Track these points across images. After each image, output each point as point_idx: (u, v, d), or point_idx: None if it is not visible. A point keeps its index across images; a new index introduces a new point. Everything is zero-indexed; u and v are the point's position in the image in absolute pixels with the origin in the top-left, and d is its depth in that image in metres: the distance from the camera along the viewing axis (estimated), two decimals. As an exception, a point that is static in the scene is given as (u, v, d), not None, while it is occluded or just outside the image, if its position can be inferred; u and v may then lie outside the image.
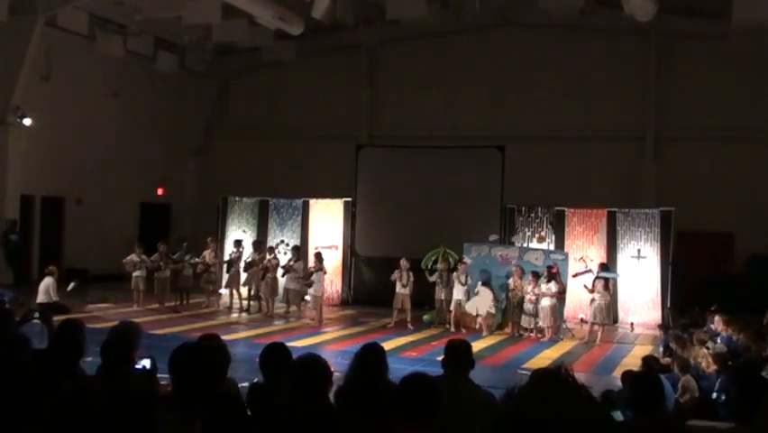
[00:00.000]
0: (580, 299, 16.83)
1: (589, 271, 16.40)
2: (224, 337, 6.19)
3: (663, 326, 14.04)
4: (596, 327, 15.48)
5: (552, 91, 23.01)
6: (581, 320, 16.65)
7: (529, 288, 15.84)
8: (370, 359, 4.81)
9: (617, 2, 18.56)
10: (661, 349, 12.24)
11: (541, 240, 18.57)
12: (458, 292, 16.37)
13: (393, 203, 20.01)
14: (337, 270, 19.83)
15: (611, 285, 16.07)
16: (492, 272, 16.77)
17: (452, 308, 16.45)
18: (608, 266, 16.69)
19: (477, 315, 16.22)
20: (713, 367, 9.46)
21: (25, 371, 4.02)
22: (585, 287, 16.06)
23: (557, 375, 1.62)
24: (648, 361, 9.41)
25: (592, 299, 15.61)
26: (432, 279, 16.92)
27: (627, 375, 8.41)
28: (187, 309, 17.62)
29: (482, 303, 16.13)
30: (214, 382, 3.56)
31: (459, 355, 5.14)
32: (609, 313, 15.81)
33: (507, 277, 16.56)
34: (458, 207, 19.13)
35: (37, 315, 7.09)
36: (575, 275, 16.86)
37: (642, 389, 4.76)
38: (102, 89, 22.94)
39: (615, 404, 7.21)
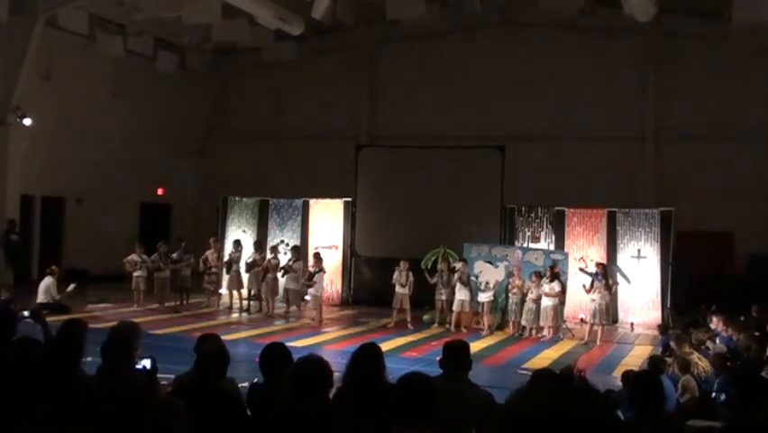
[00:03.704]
0: (579, 299, 16.83)
1: (593, 274, 16.27)
2: (224, 337, 6.20)
3: (662, 326, 14.02)
4: (595, 327, 15.46)
5: (552, 91, 23.02)
6: (581, 320, 16.63)
7: (532, 287, 15.84)
8: (367, 359, 4.81)
9: (617, 2, 18.55)
10: (660, 350, 12.23)
11: (536, 240, 18.57)
12: (460, 293, 16.36)
13: (393, 203, 20.01)
14: (337, 270, 19.82)
15: (613, 285, 16.04)
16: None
17: (455, 308, 16.44)
18: (606, 267, 16.57)
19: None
20: (702, 366, 9.47)
21: (29, 371, 4.03)
22: (583, 287, 16.04)
23: (567, 376, 1.63)
24: (655, 361, 9.40)
25: (592, 300, 15.59)
26: (432, 281, 16.88)
27: (628, 375, 8.40)
28: (187, 309, 17.63)
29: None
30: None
31: (457, 355, 5.15)
32: (609, 313, 15.79)
33: (508, 276, 16.58)
34: (458, 207, 19.12)
35: (27, 314, 7.05)
36: (581, 270, 16.71)
37: (642, 389, 4.77)
38: (102, 89, 22.94)
39: (615, 404, 7.21)
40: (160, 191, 25.69)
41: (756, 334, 11.82)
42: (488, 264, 16.81)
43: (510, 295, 16.28)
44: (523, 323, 16.07)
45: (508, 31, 23.65)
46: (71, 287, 16.46)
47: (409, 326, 16.35)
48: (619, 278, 17.15)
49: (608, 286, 15.69)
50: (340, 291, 19.94)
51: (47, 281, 16.06)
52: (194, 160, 26.97)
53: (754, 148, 21.37)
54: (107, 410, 3.05)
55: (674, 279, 17.59)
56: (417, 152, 20.86)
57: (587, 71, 22.87)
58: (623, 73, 22.95)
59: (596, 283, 15.61)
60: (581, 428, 1.50)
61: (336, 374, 4.40)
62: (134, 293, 17.73)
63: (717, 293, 16.87)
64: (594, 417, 1.53)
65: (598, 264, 16.27)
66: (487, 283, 16.54)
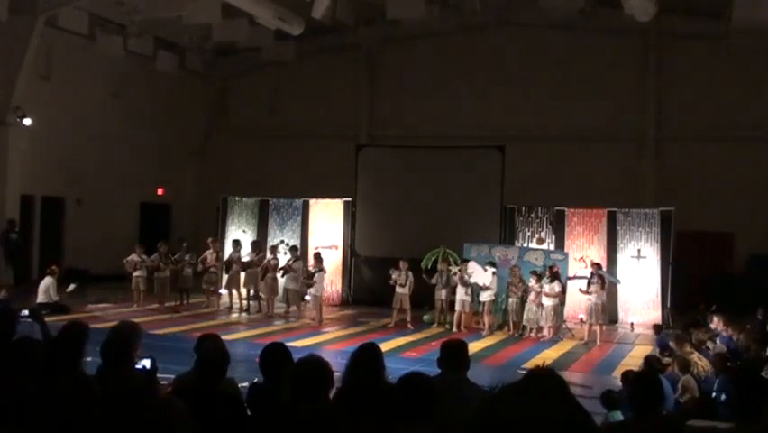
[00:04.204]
0: (579, 299, 16.80)
1: (584, 277, 16.30)
2: (224, 337, 6.19)
3: (657, 326, 13.99)
4: (594, 327, 15.48)
5: (552, 91, 23.01)
6: (581, 320, 16.63)
7: (531, 287, 15.83)
8: (367, 359, 4.81)
9: (617, 2, 18.56)
10: (658, 350, 12.22)
11: (540, 241, 18.55)
12: (462, 293, 16.35)
13: (393, 203, 20.00)
14: (337, 270, 19.82)
15: (607, 285, 16.07)
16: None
17: (456, 307, 16.43)
18: (601, 266, 16.57)
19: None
20: (702, 366, 9.47)
21: (29, 371, 4.03)
22: (580, 290, 16.06)
23: (540, 375, 1.62)
24: (650, 360, 9.40)
25: (588, 299, 15.63)
26: (432, 281, 16.87)
27: (627, 375, 8.40)
28: (187, 309, 17.62)
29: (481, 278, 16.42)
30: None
31: (455, 355, 5.15)
32: (605, 313, 15.80)
33: (508, 276, 16.57)
34: (458, 207, 19.12)
35: (26, 313, 7.02)
36: (571, 278, 16.83)
37: (642, 389, 4.76)
38: (102, 89, 22.94)
39: (615, 404, 7.22)
40: (160, 191, 25.69)
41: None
42: (479, 267, 16.70)
43: (510, 295, 16.27)
44: (523, 323, 16.07)
45: (508, 31, 23.64)
46: (71, 287, 16.45)
47: (409, 326, 16.35)
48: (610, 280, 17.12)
49: (604, 285, 15.73)
50: (340, 291, 19.94)
51: (47, 281, 16.05)
52: (194, 160, 26.98)
53: (754, 148, 21.37)
54: (107, 410, 3.05)
55: (674, 279, 17.58)
56: (417, 152, 20.87)
57: (587, 71, 22.86)
58: (623, 73, 22.94)
59: (592, 284, 15.64)
60: (553, 430, 1.49)
61: (336, 374, 4.40)
62: (134, 293, 17.72)
63: (717, 293, 16.86)
64: (566, 420, 1.53)
65: (593, 264, 16.28)
66: (477, 285, 16.51)
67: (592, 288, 15.58)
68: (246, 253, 18.41)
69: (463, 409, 4.33)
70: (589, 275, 15.99)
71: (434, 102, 23.99)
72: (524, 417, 1.48)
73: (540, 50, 23.29)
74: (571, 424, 1.51)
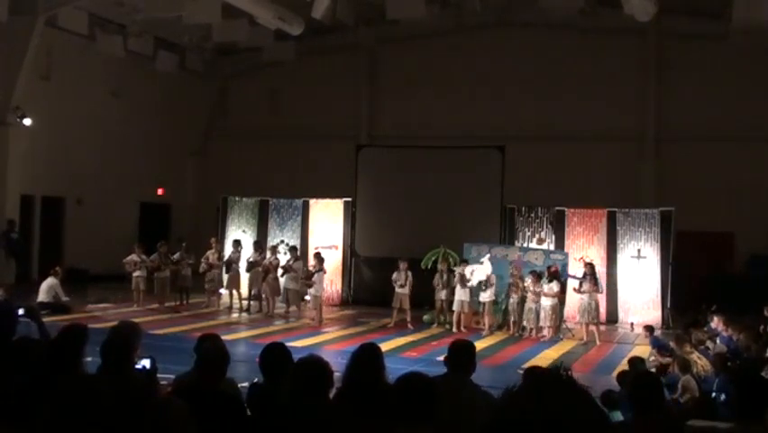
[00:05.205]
0: (579, 299, 16.81)
1: (581, 277, 16.32)
2: (224, 337, 6.20)
3: (649, 326, 13.97)
4: (591, 327, 15.49)
5: (552, 91, 23.02)
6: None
7: (531, 287, 15.84)
8: (367, 359, 4.81)
9: (617, 2, 18.57)
10: (655, 350, 12.20)
11: (540, 242, 18.55)
12: (461, 293, 16.35)
13: (393, 203, 20.00)
14: (337, 270, 19.81)
15: (600, 286, 16.08)
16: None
17: (455, 307, 16.43)
18: (594, 267, 16.53)
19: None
20: (702, 365, 9.47)
21: (29, 371, 4.03)
22: (574, 289, 16.07)
23: (555, 375, 1.62)
24: (634, 362, 9.38)
25: (581, 298, 15.65)
26: (435, 282, 16.87)
27: (624, 375, 8.40)
28: (187, 309, 17.62)
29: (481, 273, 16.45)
30: None
31: (463, 356, 5.15)
32: (598, 312, 15.80)
33: (509, 274, 16.56)
34: (458, 207, 19.12)
35: (22, 311, 7.01)
36: (571, 276, 16.84)
37: (642, 389, 4.76)
38: (102, 89, 22.94)
39: (615, 404, 7.22)
40: (160, 191, 25.70)
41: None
42: (473, 265, 16.70)
43: (511, 295, 16.27)
44: (523, 323, 16.07)
45: (508, 31, 23.65)
46: (66, 299, 16.41)
47: (409, 326, 16.35)
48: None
49: (597, 285, 15.74)
50: (340, 291, 19.93)
51: (50, 282, 16.05)
52: (194, 160, 26.98)
53: (754, 148, 21.38)
54: (107, 411, 3.05)
55: (674, 279, 17.57)
56: (417, 152, 20.87)
57: (587, 71, 22.88)
58: (623, 73, 22.95)
59: (584, 283, 15.65)
60: (572, 430, 1.49)
61: (336, 374, 4.40)
62: (134, 293, 17.71)
63: (717, 293, 16.85)
64: (584, 418, 1.53)
65: (586, 264, 16.28)
66: (481, 282, 16.50)
67: (585, 287, 15.61)
68: (250, 254, 18.42)
69: (461, 409, 4.34)
70: (581, 275, 16.01)
71: (434, 102, 24.00)
72: (547, 417, 1.48)
73: (540, 50, 23.30)
74: (594, 423, 1.51)
